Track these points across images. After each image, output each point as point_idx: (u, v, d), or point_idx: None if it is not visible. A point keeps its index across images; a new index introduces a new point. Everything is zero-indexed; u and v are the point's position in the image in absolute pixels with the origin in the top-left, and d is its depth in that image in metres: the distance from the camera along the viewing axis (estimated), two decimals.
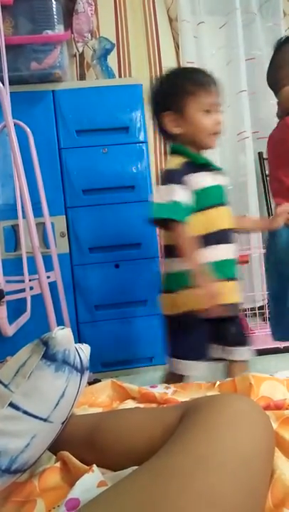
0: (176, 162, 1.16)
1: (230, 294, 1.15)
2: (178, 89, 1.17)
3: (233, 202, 2.20)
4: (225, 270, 1.15)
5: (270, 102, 2.39)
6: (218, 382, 0.93)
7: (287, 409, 0.74)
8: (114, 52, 2.12)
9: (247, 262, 2.07)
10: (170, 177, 1.12)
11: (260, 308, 2.18)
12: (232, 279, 1.18)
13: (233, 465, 0.48)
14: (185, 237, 1.08)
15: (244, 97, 2.25)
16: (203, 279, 1.05)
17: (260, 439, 0.53)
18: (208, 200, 1.16)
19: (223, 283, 1.11)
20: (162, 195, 1.10)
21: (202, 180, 1.16)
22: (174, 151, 1.20)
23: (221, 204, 1.19)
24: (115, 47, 2.11)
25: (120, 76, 2.21)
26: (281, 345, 1.87)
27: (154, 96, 1.24)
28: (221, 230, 1.17)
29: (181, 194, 1.10)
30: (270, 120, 2.25)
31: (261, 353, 1.84)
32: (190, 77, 1.19)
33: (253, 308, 2.19)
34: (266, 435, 0.55)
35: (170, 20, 2.31)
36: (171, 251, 1.14)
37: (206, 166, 1.19)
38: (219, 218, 1.18)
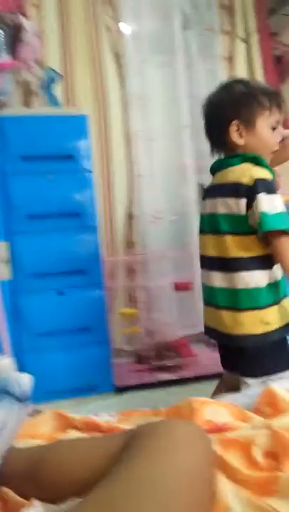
0: (268, 174, 1.09)
1: None
2: (251, 100, 1.13)
3: (177, 231, 2.25)
4: None
5: None
6: (162, 409, 0.93)
7: (228, 431, 0.76)
8: (60, 82, 2.16)
9: (189, 288, 2.12)
10: (272, 187, 1.07)
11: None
12: None
13: (177, 486, 0.48)
14: None
15: (186, 132, 2.36)
16: None
17: (202, 461, 0.54)
18: None
19: None
20: (274, 205, 1.04)
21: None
22: (257, 163, 1.11)
23: None
24: (61, 77, 2.15)
25: (65, 105, 2.25)
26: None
27: (220, 103, 1.17)
28: None
29: (283, 206, 1.06)
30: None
31: (205, 378, 1.87)
32: (264, 90, 1.15)
33: (196, 334, 2.22)
34: (207, 457, 0.56)
35: (116, 55, 2.39)
36: (254, 263, 1.09)
37: None
38: None
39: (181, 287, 2.13)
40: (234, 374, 1.16)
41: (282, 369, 1.10)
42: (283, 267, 1.06)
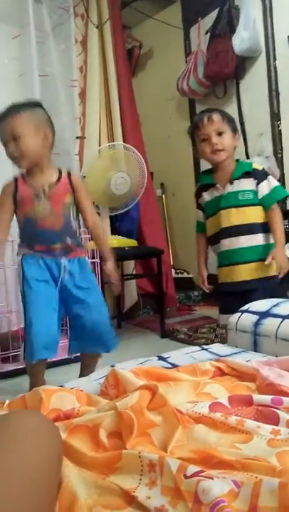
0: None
1: None
2: None
3: None
4: None
5: (62, 120, 2.48)
6: (7, 401, 0.89)
7: (76, 417, 0.77)
8: None
9: None
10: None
11: None
12: None
13: (19, 487, 0.46)
14: None
15: None
16: None
17: (48, 453, 0.53)
18: None
19: None
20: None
21: None
22: None
23: None
24: None
25: None
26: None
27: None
28: None
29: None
30: (62, 135, 2.33)
31: (52, 365, 1.86)
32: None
33: None
34: (54, 447, 0.55)
35: None
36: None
37: None
38: None
39: None
40: None
41: None
42: None
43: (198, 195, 1.91)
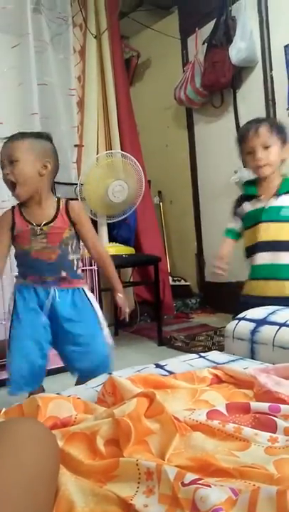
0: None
1: None
2: None
3: None
4: None
5: (60, 128, 2.50)
6: (3, 409, 0.88)
7: (73, 425, 0.76)
8: None
9: None
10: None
11: None
12: None
13: (16, 494, 0.46)
14: None
15: (36, 120, 2.28)
16: None
17: (45, 461, 0.53)
18: None
19: None
20: None
21: None
22: None
23: None
24: None
25: None
26: None
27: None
28: None
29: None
30: (60, 144, 2.33)
31: (51, 372, 1.85)
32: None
33: None
34: (51, 455, 0.55)
35: None
36: None
37: None
38: None
39: None
40: None
41: None
42: None
43: (238, 204, 1.85)
